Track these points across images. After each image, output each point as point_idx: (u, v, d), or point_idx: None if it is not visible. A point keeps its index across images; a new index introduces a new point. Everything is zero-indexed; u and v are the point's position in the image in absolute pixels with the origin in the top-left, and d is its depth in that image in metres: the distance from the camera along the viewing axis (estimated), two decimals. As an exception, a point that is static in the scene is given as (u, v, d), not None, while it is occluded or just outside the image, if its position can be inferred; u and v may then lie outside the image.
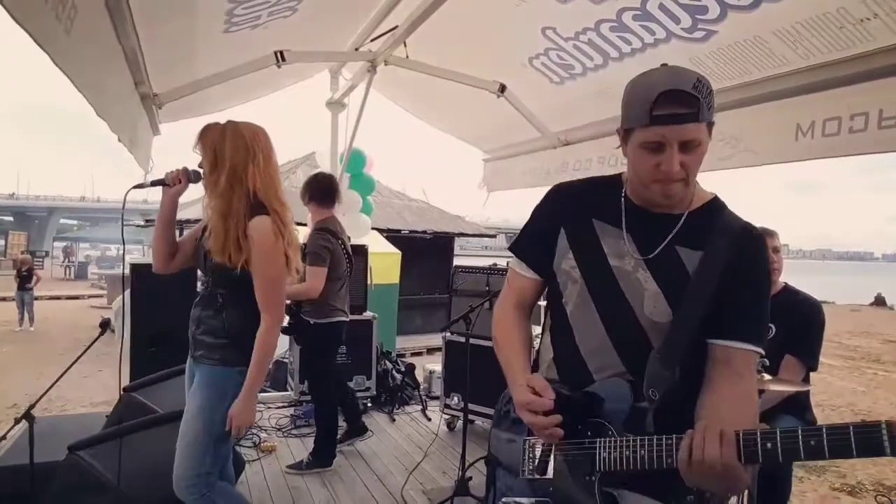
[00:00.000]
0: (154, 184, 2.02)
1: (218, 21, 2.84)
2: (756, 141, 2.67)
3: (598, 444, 1.14)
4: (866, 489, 4.29)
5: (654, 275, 1.19)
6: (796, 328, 2.50)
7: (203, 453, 1.91)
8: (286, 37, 3.45)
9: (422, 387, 5.02)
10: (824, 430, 0.85)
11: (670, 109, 1.07)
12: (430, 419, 4.49)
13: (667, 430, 1.07)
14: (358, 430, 3.88)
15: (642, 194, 1.22)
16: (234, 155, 1.90)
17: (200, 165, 1.97)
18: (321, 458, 3.47)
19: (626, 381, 1.17)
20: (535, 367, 1.39)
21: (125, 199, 2.08)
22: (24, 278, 11.46)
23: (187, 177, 1.98)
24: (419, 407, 4.73)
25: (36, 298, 11.80)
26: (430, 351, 9.54)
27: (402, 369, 5.02)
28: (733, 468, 0.94)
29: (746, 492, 2.29)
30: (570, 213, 1.32)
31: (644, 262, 1.20)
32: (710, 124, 1.12)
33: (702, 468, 0.96)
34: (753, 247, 1.18)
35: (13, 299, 11.80)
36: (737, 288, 1.14)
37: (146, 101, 3.07)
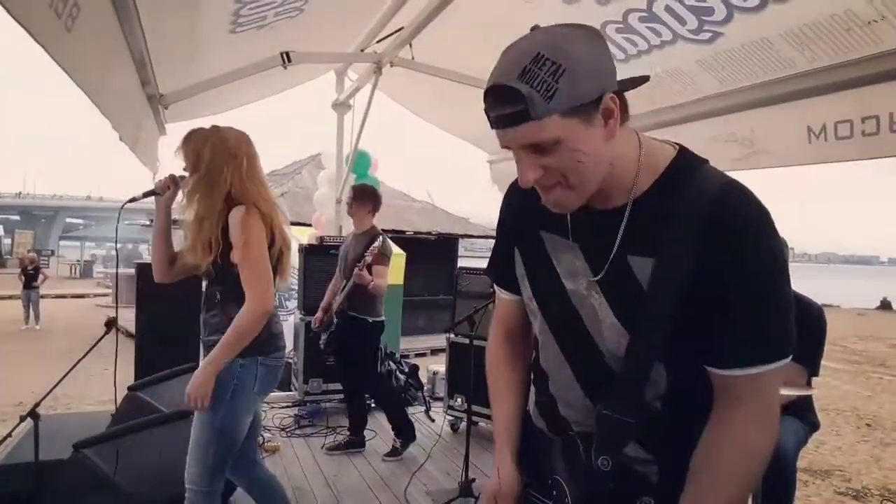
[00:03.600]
0: (146, 195, 2.02)
1: (224, 21, 2.86)
2: (769, 142, 2.67)
3: None
4: (872, 494, 4.26)
5: (607, 298, 0.92)
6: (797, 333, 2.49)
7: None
8: (292, 37, 3.46)
9: (425, 388, 5.02)
10: None
11: (497, 110, 0.83)
12: (433, 420, 4.49)
13: (626, 495, 0.94)
14: (356, 443, 3.87)
15: None
16: (215, 159, 1.87)
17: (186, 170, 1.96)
18: (406, 434, 3.73)
19: (579, 440, 0.99)
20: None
21: (119, 214, 2.13)
22: (30, 277, 11.54)
23: (175, 183, 1.98)
24: (423, 408, 4.72)
25: (42, 297, 11.88)
26: (434, 352, 9.53)
27: (406, 370, 5.02)
28: None
29: (751, 496, 2.28)
30: (519, 226, 1.07)
31: (596, 284, 0.93)
32: (570, 112, 0.80)
33: None
34: (736, 224, 0.84)
35: (19, 297, 11.88)
36: (725, 294, 0.84)
37: (152, 102, 3.08)
